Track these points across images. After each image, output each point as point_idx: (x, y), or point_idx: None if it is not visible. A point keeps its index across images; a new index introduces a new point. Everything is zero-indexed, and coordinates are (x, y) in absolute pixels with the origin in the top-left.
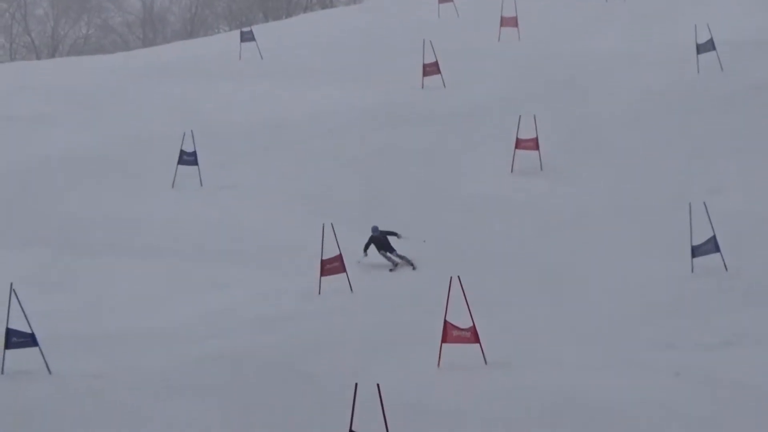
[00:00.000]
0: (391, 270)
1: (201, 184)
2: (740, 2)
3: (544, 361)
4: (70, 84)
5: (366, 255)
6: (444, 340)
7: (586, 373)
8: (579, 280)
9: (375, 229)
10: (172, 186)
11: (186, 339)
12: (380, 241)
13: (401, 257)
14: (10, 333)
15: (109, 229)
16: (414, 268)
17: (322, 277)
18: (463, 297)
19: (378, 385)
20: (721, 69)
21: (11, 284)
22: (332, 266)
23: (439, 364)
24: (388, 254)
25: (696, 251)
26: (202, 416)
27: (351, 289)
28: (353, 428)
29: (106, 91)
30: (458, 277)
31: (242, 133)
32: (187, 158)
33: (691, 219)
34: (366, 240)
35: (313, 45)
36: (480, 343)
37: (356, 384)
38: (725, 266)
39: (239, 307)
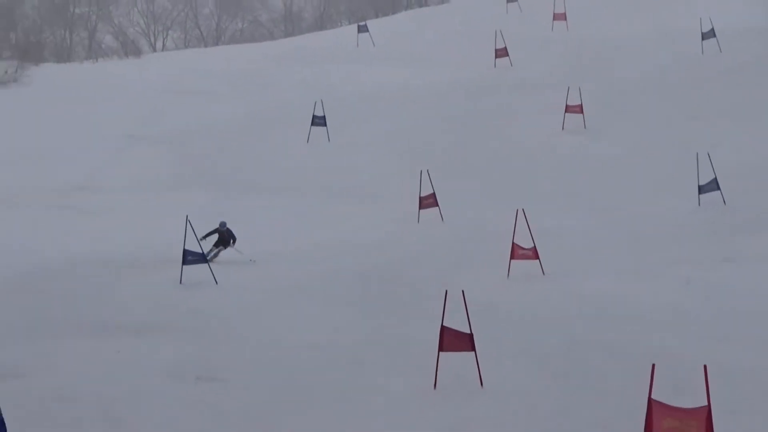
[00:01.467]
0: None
1: (328, 140)
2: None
3: (587, 272)
4: (229, 66)
5: (204, 240)
6: (512, 257)
7: (618, 281)
8: (612, 210)
9: (223, 224)
10: (307, 141)
11: (317, 258)
12: (223, 236)
13: (215, 254)
14: (186, 253)
15: (257, 174)
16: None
17: (420, 210)
18: (526, 225)
19: (462, 291)
20: (720, 50)
21: (186, 216)
22: (428, 202)
23: (508, 275)
24: (218, 249)
25: (701, 190)
26: (331, 317)
27: (442, 219)
28: (444, 324)
29: (256, 71)
30: (522, 209)
31: (359, 102)
32: (318, 121)
33: (698, 165)
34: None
35: (412, 35)
36: (539, 259)
37: (446, 291)
38: (724, 201)
39: (359, 232)
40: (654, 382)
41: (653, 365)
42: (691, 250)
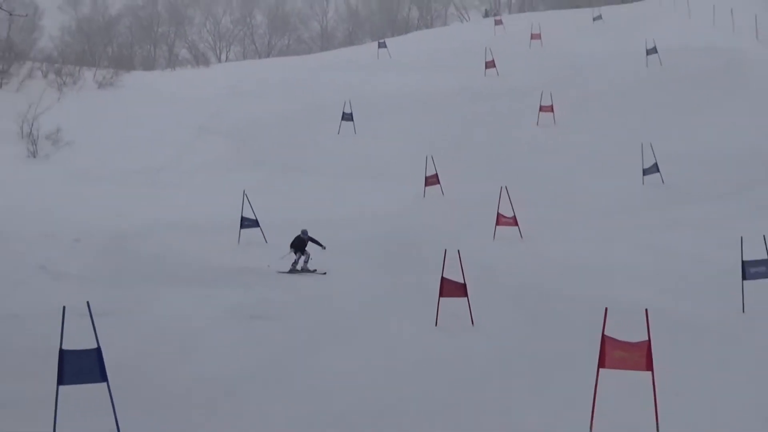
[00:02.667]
0: (284, 271)
1: (354, 132)
2: (674, 23)
3: (555, 237)
4: (277, 74)
5: (290, 253)
6: (497, 224)
7: (579, 244)
8: (575, 186)
9: (304, 232)
10: (338, 133)
11: (346, 225)
12: (302, 243)
13: (304, 268)
14: (243, 219)
15: (299, 158)
16: (322, 273)
17: (426, 187)
18: (508, 198)
19: (458, 251)
20: (661, 64)
21: (244, 191)
22: (431, 180)
23: (494, 238)
24: (300, 258)
25: (645, 172)
26: (362, 267)
27: (442, 194)
28: (444, 275)
29: (298, 78)
30: (505, 187)
31: (379, 102)
32: (347, 116)
33: (642, 152)
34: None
35: (420, 50)
36: (518, 225)
37: (445, 250)
38: (662, 180)
39: (378, 205)
40: (607, 323)
41: (606, 309)
42: (638, 220)
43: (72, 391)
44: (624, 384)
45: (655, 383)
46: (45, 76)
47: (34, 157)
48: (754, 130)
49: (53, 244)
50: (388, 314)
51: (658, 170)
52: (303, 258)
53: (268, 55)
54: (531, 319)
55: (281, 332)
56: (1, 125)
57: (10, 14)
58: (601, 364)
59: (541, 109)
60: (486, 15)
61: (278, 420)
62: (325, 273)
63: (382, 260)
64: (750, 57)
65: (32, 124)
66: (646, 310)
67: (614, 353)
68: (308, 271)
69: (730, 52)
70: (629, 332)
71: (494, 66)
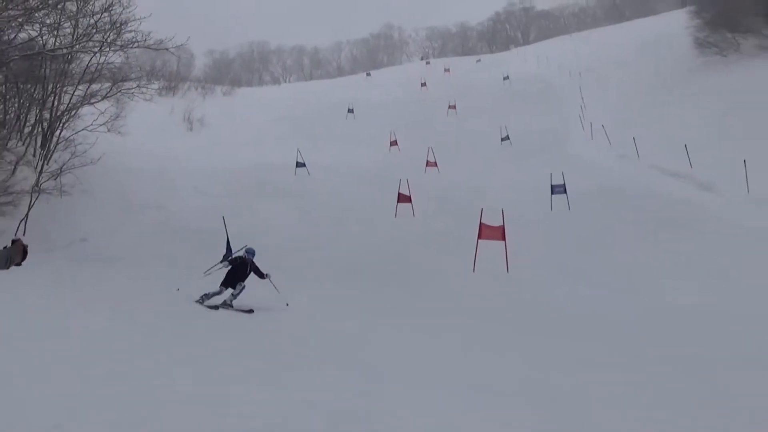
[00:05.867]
0: (210, 305)
1: (354, 118)
2: (518, 63)
3: (460, 171)
4: (314, 89)
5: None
6: (426, 165)
7: (473, 176)
8: (468, 148)
9: (251, 251)
10: (345, 119)
11: (347, 167)
12: (240, 269)
13: (229, 305)
14: (297, 163)
15: (325, 135)
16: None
17: (390, 147)
18: (432, 152)
19: (407, 179)
20: (511, 84)
21: (297, 149)
22: (393, 143)
23: (425, 172)
24: (231, 291)
25: (502, 140)
26: (359, 189)
27: (399, 151)
28: (400, 190)
29: (323, 92)
30: (431, 147)
31: (367, 104)
32: (350, 111)
33: (501, 130)
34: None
35: (388, 78)
36: (437, 167)
37: (400, 179)
38: (511, 144)
39: (366, 156)
40: (484, 217)
41: (482, 209)
42: (499, 165)
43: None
44: (489, 274)
45: (507, 248)
46: (196, 89)
47: (191, 131)
48: (552, 122)
49: (201, 176)
50: (372, 212)
51: (509, 139)
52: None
53: (309, 80)
54: (449, 214)
55: (317, 208)
56: (175, 115)
57: (173, 53)
58: (479, 236)
59: (449, 107)
60: (422, 59)
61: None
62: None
63: (367, 182)
64: (556, 82)
65: (189, 114)
66: (503, 210)
67: (486, 231)
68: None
69: (546, 79)
70: (496, 222)
71: (426, 86)
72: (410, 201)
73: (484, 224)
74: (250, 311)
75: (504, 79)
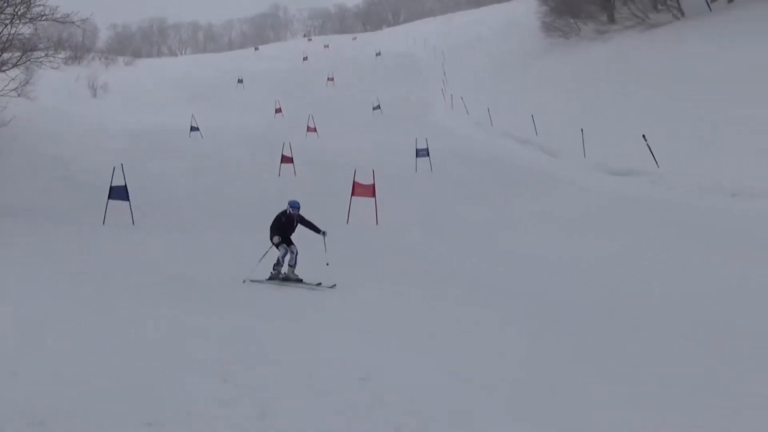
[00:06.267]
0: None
1: (243, 87)
2: (390, 42)
3: (337, 137)
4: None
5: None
6: (306, 131)
7: (348, 140)
8: (345, 115)
9: (294, 205)
10: (236, 87)
11: (233, 132)
12: (287, 227)
13: (288, 275)
14: (192, 128)
15: (217, 96)
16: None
17: (276, 114)
18: (313, 119)
19: (290, 143)
20: (383, 60)
21: (311, 115)
22: (278, 110)
23: (305, 137)
24: (286, 256)
25: (373, 109)
26: (248, 150)
27: (283, 116)
28: (284, 152)
29: (208, 64)
30: (312, 114)
31: (254, 77)
32: (240, 83)
33: (373, 101)
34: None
35: (275, 53)
36: (317, 132)
37: (283, 143)
38: (382, 112)
39: (248, 120)
40: (359, 174)
41: (354, 171)
42: (371, 129)
43: None
44: (360, 226)
45: (377, 204)
46: (100, 59)
47: (95, 97)
48: (418, 94)
49: (103, 137)
50: (259, 170)
51: (380, 108)
52: (288, 257)
53: (204, 53)
54: (326, 174)
55: (210, 167)
56: (80, 82)
57: (78, 26)
58: (353, 194)
59: (328, 79)
60: (304, 36)
61: None
62: (334, 285)
63: (254, 144)
64: (422, 58)
65: (93, 82)
66: (373, 170)
67: (358, 189)
68: (298, 281)
69: (413, 56)
70: (367, 181)
71: (307, 59)
72: (292, 162)
73: (357, 182)
74: (333, 286)
75: (376, 55)
